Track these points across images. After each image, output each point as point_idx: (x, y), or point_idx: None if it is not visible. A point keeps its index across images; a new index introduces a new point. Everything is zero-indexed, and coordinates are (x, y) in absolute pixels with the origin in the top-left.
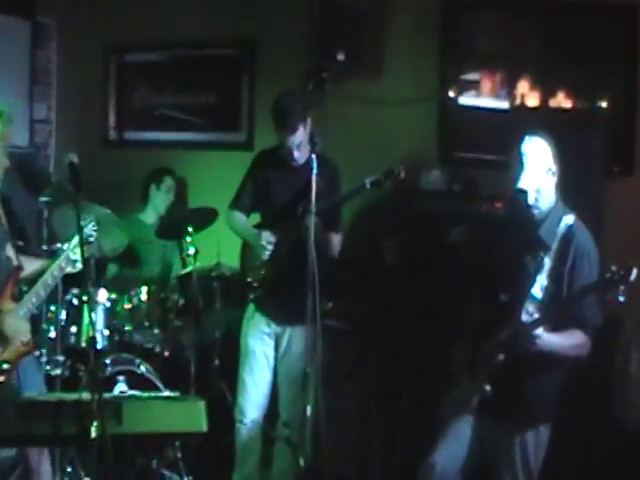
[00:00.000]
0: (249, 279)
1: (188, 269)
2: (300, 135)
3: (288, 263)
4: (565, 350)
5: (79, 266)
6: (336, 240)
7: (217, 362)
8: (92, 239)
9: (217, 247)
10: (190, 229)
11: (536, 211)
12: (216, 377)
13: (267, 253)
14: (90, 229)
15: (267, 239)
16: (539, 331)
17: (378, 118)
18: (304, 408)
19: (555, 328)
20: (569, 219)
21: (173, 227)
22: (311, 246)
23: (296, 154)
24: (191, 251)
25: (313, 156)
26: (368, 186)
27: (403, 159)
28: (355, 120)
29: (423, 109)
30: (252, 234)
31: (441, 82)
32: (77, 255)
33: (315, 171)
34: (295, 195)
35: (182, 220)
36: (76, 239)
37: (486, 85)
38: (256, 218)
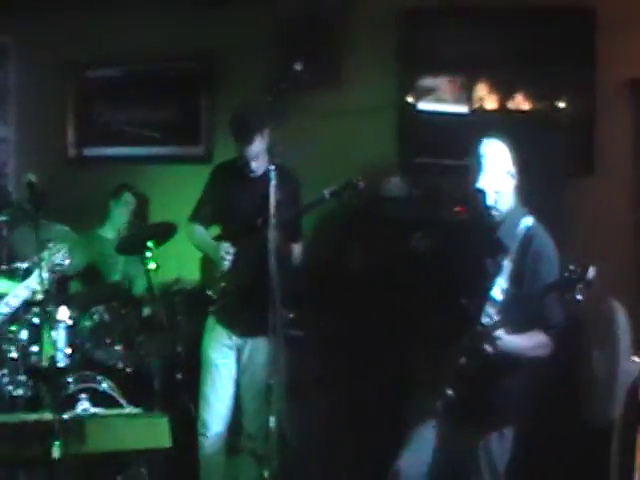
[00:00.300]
0: (209, 291)
1: (149, 284)
2: (257, 146)
3: (248, 274)
4: (526, 351)
5: (39, 297)
6: (296, 250)
7: (180, 376)
8: (61, 267)
9: (177, 261)
10: (150, 244)
11: (495, 213)
12: (180, 392)
13: (226, 264)
14: (61, 257)
15: (226, 250)
16: (499, 333)
17: (338, 127)
18: (268, 420)
19: (516, 330)
20: (528, 221)
21: (133, 242)
22: (271, 257)
23: (254, 165)
24: (152, 266)
25: (271, 167)
26: (327, 197)
27: (364, 167)
28: (316, 129)
29: (383, 117)
30: (212, 246)
31: (400, 89)
32: (37, 285)
33: (273, 182)
34: (254, 206)
35: (141, 235)
36: (36, 272)
37: (445, 90)
38: (216, 231)
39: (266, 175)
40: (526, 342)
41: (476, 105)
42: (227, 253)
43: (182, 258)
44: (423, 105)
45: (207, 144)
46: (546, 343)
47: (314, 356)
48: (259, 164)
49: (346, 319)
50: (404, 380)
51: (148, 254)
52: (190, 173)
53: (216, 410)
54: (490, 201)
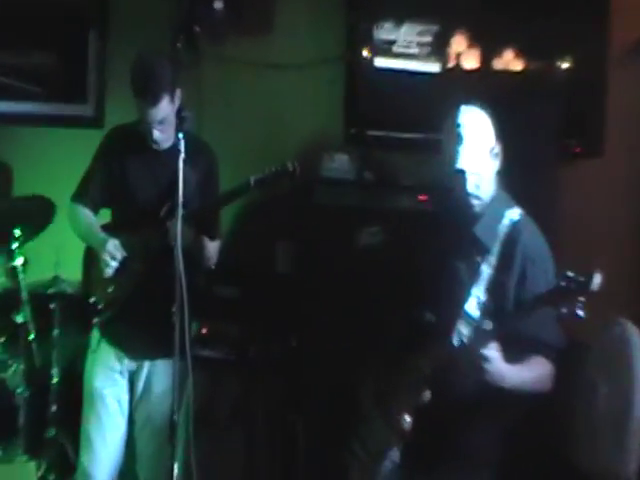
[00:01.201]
0: (93, 298)
1: (16, 285)
2: (165, 108)
3: (146, 278)
4: (530, 385)
5: None
6: (212, 248)
7: (55, 409)
8: None
9: (55, 255)
10: (17, 231)
11: (476, 201)
12: (54, 430)
13: (109, 272)
14: None
15: (112, 252)
16: (491, 353)
17: (268, 86)
18: (171, 467)
19: (509, 356)
20: (514, 214)
21: None
22: (178, 256)
23: (157, 134)
24: (19, 261)
25: (180, 135)
26: (253, 185)
27: (300, 140)
28: (239, 88)
29: (326, 74)
30: (99, 239)
31: (350, 40)
32: None
33: (183, 154)
34: (158, 190)
35: (5, 218)
36: None
37: (411, 43)
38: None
39: (176, 149)
40: (528, 372)
41: (452, 63)
42: (113, 258)
43: (61, 251)
44: (381, 61)
45: (96, 102)
46: (550, 371)
47: (231, 383)
48: (165, 134)
49: (274, 335)
50: (348, 415)
51: (14, 245)
52: (73, 139)
53: (102, 456)
54: (471, 187)
